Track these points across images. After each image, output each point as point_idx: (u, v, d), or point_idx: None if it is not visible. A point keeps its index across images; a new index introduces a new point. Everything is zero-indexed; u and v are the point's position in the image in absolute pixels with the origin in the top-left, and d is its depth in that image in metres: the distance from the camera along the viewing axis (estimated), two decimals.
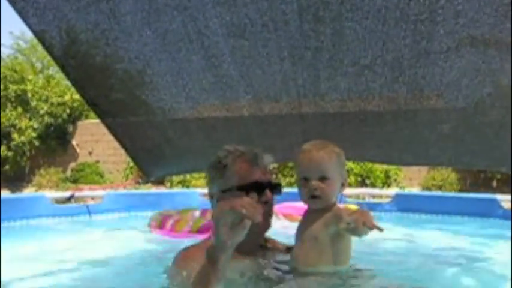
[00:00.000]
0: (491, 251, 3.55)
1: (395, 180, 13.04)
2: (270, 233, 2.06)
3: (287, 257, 1.95)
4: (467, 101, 3.03)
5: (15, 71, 16.61)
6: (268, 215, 1.93)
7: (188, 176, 12.95)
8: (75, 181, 14.82)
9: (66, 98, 16.36)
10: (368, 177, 12.75)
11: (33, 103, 16.37)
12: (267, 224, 1.95)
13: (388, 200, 5.88)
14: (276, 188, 1.98)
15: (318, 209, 1.86)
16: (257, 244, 1.99)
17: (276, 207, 2.25)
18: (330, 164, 1.85)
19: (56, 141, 16.83)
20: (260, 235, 1.98)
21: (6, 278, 2.38)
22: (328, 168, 1.84)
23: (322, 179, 1.83)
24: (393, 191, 6.78)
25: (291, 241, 1.97)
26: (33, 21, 2.81)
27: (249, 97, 3.35)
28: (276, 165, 12.69)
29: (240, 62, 3.00)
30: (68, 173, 16.16)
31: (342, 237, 1.79)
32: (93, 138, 16.48)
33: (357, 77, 2.99)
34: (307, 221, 1.88)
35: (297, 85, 3.16)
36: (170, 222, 4.20)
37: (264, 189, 1.92)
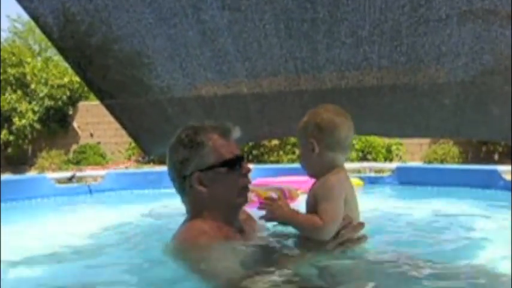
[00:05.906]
0: (492, 221, 3.55)
1: (397, 155, 13.01)
2: None
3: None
4: (466, 70, 3.00)
5: (14, 54, 16.52)
6: (247, 189, 1.93)
7: None
8: (77, 163, 14.86)
9: (66, 80, 16.29)
10: (370, 153, 12.73)
11: (33, 86, 16.33)
12: (246, 199, 1.94)
13: (388, 173, 5.87)
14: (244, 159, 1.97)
15: None
16: (237, 218, 1.97)
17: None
18: None
19: (57, 123, 16.83)
20: (239, 209, 1.97)
21: (8, 258, 2.39)
22: None
23: None
24: (394, 164, 6.73)
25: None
26: (26, 1, 2.79)
27: (247, 72, 3.33)
28: (276, 142, 12.68)
29: (237, 36, 2.97)
30: (70, 155, 16.20)
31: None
32: (94, 120, 16.46)
33: (355, 49, 2.97)
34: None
35: (295, 58, 3.14)
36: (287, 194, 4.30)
37: (242, 162, 1.91)
